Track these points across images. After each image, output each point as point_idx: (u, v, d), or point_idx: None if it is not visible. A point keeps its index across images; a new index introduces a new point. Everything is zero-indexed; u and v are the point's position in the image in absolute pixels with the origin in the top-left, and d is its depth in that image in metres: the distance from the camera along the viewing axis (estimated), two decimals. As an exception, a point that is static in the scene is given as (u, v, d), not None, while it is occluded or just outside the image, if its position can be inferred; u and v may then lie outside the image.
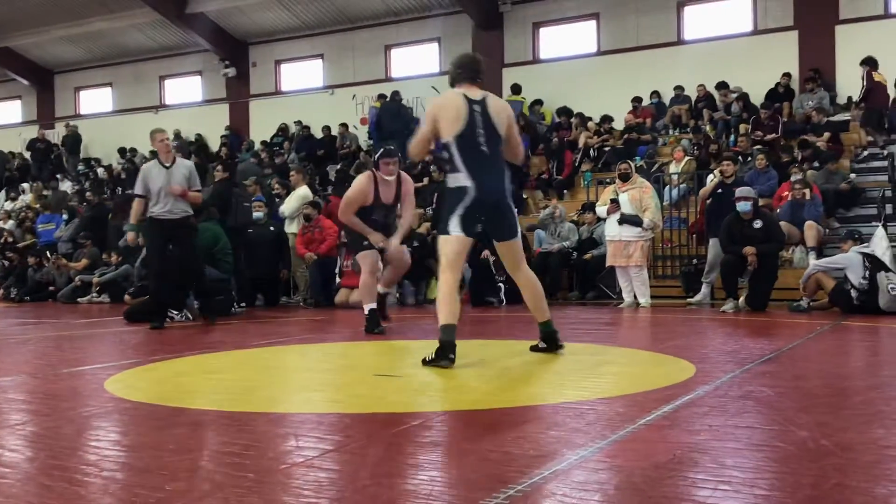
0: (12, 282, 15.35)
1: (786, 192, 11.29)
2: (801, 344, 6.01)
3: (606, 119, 16.09)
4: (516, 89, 17.29)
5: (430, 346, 5.37)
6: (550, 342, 5.26)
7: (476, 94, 4.97)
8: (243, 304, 10.91)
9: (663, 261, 12.11)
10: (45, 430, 3.31)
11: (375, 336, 6.83)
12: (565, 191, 15.02)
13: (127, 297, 12.14)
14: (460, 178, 4.86)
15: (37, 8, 21.17)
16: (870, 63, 13.79)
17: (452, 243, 4.94)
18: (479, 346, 6.17)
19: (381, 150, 7.41)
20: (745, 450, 2.77)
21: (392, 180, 7.25)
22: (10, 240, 16.90)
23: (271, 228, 11.97)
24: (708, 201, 10.58)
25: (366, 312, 7.15)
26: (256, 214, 11.84)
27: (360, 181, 7.32)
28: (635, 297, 10.20)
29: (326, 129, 19.18)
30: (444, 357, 4.64)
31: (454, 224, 4.88)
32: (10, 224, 17.97)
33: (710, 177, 11.15)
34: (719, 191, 10.27)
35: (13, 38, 22.74)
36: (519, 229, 5.15)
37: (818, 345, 6.15)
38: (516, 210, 5.21)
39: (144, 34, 21.96)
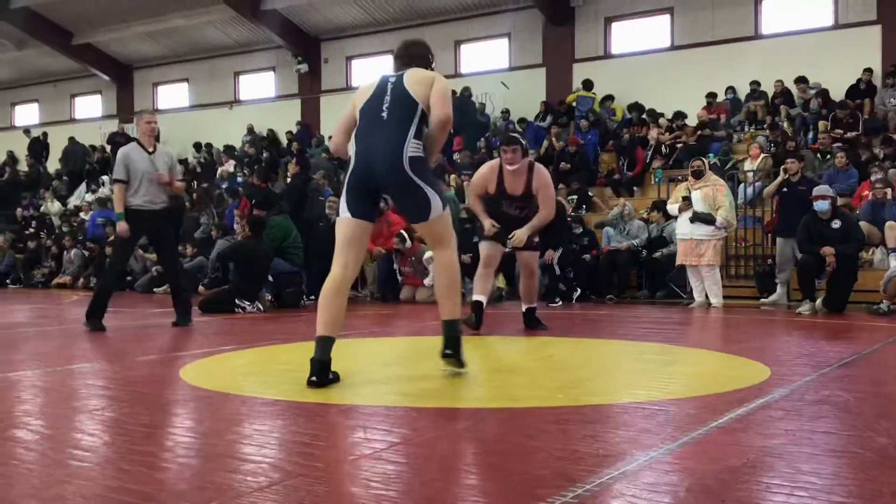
0: (91, 271, 15.85)
1: (866, 192, 10.96)
2: (881, 348, 5.81)
3: (680, 115, 15.80)
4: (588, 85, 17.15)
5: (494, 342, 5.32)
6: (452, 348, 4.21)
7: (400, 72, 4.33)
8: (312, 297, 11.07)
9: (736, 260, 11.86)
10: (123, 415, 3.41)
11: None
12: (635, 188, 14.84)
13: (201, 287, 12.47)
14: (350, 149, 4.25)
15: (117, 5, 21.81)
16: None
17: (339, 227, 4.19)
18: (546, 343, 6.14)
19: (503, 138, 7.01)
20: (822, 455, 2.69)
21: (518, 170, 6.65)
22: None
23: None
24: (774, 199, 10.36)
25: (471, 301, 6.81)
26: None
27: (482, 168, 7.06)
28: (707, 296, 10.01)
29: (396, 124, 19.26)
30: (311, 374, 4.00)
31: (342, 204, 4.18)
32: (90, 215, 18.58)
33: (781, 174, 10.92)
34: (785, 189, 10.05)
35: (95, 35, 23.46)
36: (435, 208, 4.15)
37: (899, 349, 5.94)
38: (427, 185, 4.12)
39: (220, 31, 22.44)
